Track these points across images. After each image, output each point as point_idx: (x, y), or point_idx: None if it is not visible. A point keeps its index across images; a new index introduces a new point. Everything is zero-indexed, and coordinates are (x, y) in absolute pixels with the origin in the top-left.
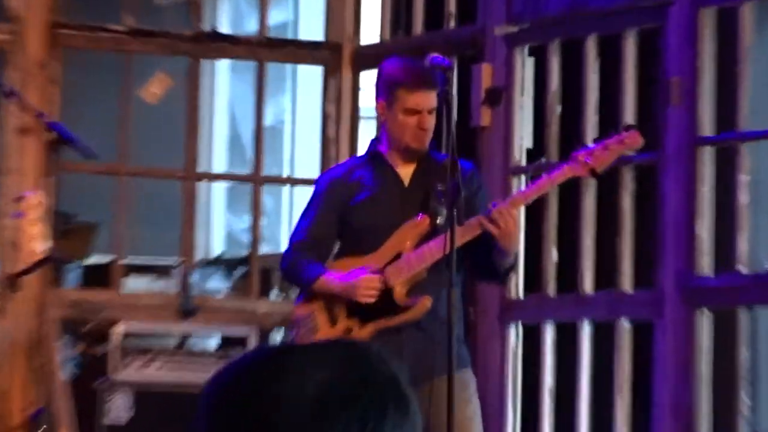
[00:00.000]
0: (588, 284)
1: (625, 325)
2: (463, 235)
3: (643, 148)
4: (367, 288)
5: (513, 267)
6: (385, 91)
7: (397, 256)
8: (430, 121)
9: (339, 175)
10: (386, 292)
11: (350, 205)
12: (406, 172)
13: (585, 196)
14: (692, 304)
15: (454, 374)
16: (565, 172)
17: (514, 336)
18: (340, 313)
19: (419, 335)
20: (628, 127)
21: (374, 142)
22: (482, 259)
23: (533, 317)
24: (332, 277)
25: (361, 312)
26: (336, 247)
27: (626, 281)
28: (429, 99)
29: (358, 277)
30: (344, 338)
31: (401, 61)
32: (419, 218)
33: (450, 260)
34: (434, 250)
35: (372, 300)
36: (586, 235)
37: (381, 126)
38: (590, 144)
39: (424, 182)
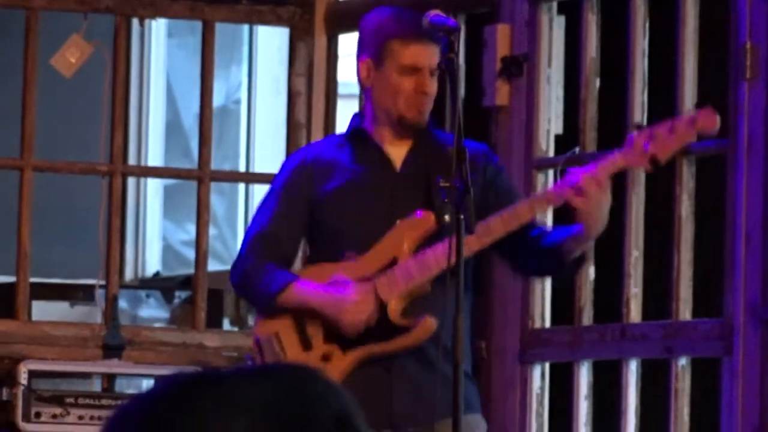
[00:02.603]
0: (635, 312)
1: (683, 365)
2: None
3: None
4: (359, 311)
5: (585, 256)
6: (371, 46)
7: (392, 263)
8: (432, 84)
9: (310, 156)
10: (378, 309)
11: (323, 195)
12: (398, 152)
13: (631, 198)
14: None
15: (461, 417)
16: (616, 162)
17: (539, 379)
18: (315, 334)
19: (417, 366)
20: (701, 105)
21: (357, 118)
22: (528, 248)
23: (564, 355)
24: (308, 287)
25: (343, 334)
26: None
27: (685, 308)
28: (431, 54)
29: (350, 295)
30: (282, 364)
31: (392, 9)
32: (419, 215)
33: (457, 275)
34: (441, 256)
35: (358, 330)
36: (633, 249)
37: (365, 95)
38: (647, 125)
39: (423, 166)
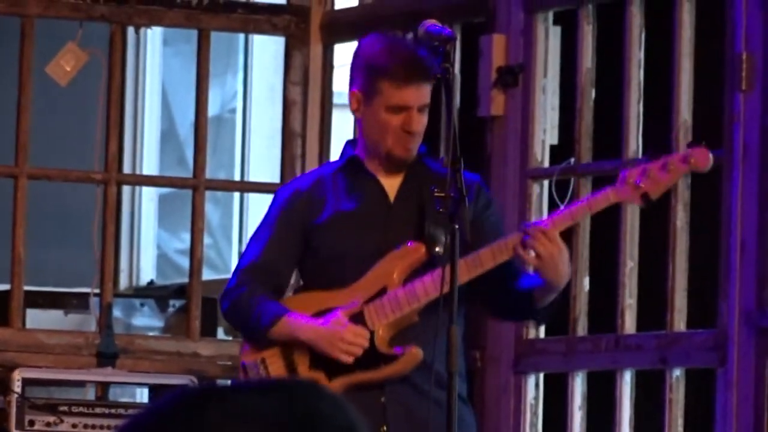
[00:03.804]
0: (630, 322)
1: (677, 375)
2: (474, 266)
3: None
4: (351, 343)
5: (556, 303)
6: (362, 79)
7: (381, 292)
8: (421, 122)
9: (304, 186)
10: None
11: (318, 223)
12: (391, 183)
13: (627, 209)
14: (765, 347)
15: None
16: (608, 197)
17: (534, 389)
18: (301, 361)
19: (408, 393)
20: (694, 143)
21: (350, 146)
22: (503, 292)
23: (558, 365)
24: (300, 320)
25: (329, 361)
26: (294, 279)
27: (680, 319)
28: (421, 94)
29: (342, 327)
30: (287, 379)
31: (387, 42)
32: (410, 246)
33: (452, 289)
34: (429, 286)
35: (350, 360)
36: (628, 259)
37: (356, 124)
38: (641, 160)
39: (415, 197)
